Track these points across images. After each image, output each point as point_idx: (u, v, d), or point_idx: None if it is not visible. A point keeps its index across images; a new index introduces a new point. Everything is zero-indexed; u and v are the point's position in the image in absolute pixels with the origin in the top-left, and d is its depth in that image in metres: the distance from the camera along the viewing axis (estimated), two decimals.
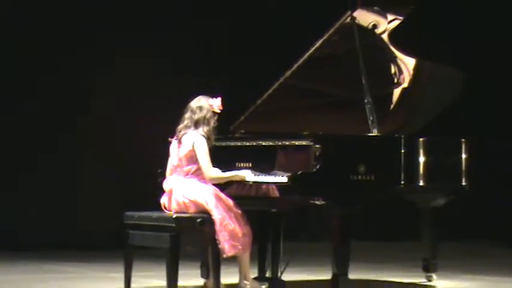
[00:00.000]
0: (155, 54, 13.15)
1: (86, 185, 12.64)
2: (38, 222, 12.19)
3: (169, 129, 8.23)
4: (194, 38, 13.24)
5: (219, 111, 8.05)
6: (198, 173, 7.91)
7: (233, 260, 7.90)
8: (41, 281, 9.25)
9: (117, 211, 8.51)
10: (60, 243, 11.78)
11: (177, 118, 8.17)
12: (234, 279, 8.07)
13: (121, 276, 8.01)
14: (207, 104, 8.00)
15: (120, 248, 8.14)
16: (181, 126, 8.01)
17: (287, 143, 8.10)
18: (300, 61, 8.49)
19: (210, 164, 7.87)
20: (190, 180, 7.92)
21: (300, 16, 12.04)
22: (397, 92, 8.68)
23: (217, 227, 7.74)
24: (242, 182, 8.09)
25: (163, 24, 13.31)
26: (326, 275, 8.15)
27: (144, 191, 8.78)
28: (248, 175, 8.01)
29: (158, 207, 8.01)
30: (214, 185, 7.96)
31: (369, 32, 8.52)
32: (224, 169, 8.06)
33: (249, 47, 12.76)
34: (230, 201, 7.94)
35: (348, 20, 8.34)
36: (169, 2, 13.38)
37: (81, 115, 12.93)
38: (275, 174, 8.02)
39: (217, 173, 7.92)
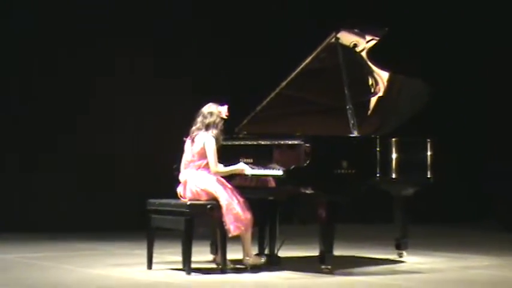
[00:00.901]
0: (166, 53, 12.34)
1: (115, 176, 12.03)
2: (72, 207, 11.71)
3: (182, 129, 8.29)
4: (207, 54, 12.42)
5: (225, 116, 8.10)
6: (207, 167, 8.00)
7: (237, 239, 8.02)
8: (76, 256, 9.18)
9: (140, 198, 8.52)
10: (93, 226, 11.32)
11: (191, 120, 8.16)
12: (238, 255, 8.13)
13: (144, 252, 8.14)
14: (216, 111, 8.07)
15: (143, 229, 8.26)
16: (194, 128, 8.07)
17: (282, 142, 8.20)
18: (293, 74, 8.50)
19: (216, 161, 7.97)
20: (201, 172, 8.00)
21: (297, 35, 11.30)
22: (373, 100, 8.72)
23: (224, 211, 7.87)
24: (242, 175, 8.18)
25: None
26: (314, 252, 8.27)
27: (164, 181, 8.66)
28: (247, 169, 8.12)
29: (175, 195, 8.10)
30: (222, 177, 8.04)
31: (350, 50, 8.51)
32: (230, 164, 8.14)
33: (251, 61, 12.06)
34: (234, 191, 8.02)
35: (333, 40, 8.36)
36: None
37: (129, 116, 12.22)
38: (272, 168, 8.12)
39: (221, 168, 8.01)
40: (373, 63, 8.66)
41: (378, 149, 8.08)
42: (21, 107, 11.75)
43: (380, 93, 8.69)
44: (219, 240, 8.03)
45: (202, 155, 8.00)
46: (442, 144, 8.85)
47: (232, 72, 12.15)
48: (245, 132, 8.69)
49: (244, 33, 12.19)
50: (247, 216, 7.98)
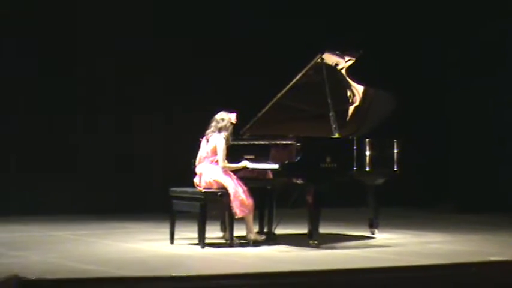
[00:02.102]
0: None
1: (144, 169, 11.66)
2: (109, 194, 11.35)
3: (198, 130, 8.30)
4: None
5: (234, 122, 8.13)
6: (218, 162, 8.00)
7: (241, 220, 8.07)
8: (113, 233, 9.15)
9: (165, 186, 8.51)
10: (126, 209, 11.01)
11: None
12: (243, 233, 8.17)
13: (167, 231, 8.17)
14: (227, 117, 8.08)
15: (166, 212, 8.25)
16: (209, 130, 8.09)
17: (278, 142, 8.23)
18: (287, 87, 8.47)
19: (224, 158, 7.97)
20: (213, 166, 8.02)
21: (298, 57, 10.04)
22: (351, 109, 8.68)
23: (232, 198, 7.90)
24: (245, 169, 8.19)
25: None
26: (304, 230, 8.28)
27: (183, 173, 8.52)
28: (248, 164, 8.14)
29: (192, 184, 8.13)
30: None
31: (333, 68, 8.47)
32: (236, 160, 8.14)
33: (253, 80, 11.51)
34: (239, 181, 8.01)
35: (319, 60, 8.35)
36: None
37: (150, 115, 11.72)
38: (270, 163, 8.14)
39: (227, 164, 8.01)
40: (350, 79, 8.63)
41: (354, 147, 8.12)
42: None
43: (356, 103, 8.65)
44: (227, 220, 8.05)
45: (214, 152, 8.02)
46: (406, 143, 8.81)
47: (234, 87, 11.57)
48: (248, 134, 8.64)
49: (244, 55, 11.73)
50: (249, 201, 7.98)
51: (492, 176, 12.34)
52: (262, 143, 8.35)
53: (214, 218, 8.25)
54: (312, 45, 8.70)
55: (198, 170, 8.16)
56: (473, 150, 12.57)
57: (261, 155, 8.28)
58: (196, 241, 8.01)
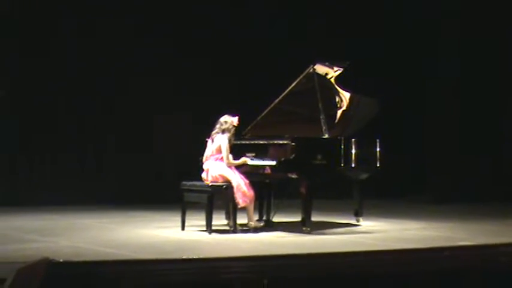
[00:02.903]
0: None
1: (159, 166, 11.50)
2: (132, 187, 11.23)
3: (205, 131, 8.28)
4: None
5: (236, 124, 8.14)
6: (222, 159, 8.02)
7: (243, 210, 8.05)
8: (132, 222, 9.06)
9: (177, 180, 8.45)
10: (143, 200, 10.89)
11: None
12: (244, 221, 8.14)
13: (179, 219, 8.18)
14: (230, 120, 8.08)
15: (178, 202, 8.25)
16: (214, 132, 8.11)
17: (275, 142, 8.19)
18: (283, 94, 8.45)
19: (228, 155, 7.98)
20: (219, 163, 8.02)
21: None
22: (339, 113, 8.60)
23: (235, 190, 7.91)
24: (246, 165, 8.17)
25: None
26: (298, 218, 8.25)
27: (193, 169, 8.45)
28: (248, 161, 8.13)
29: (200, 178, 8.13)
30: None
31: (323, 77, 8.44)
32: (238, 157, 8.14)
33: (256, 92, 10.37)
34: (242, 175, 8.01)
35: (311, 70, 8.33)
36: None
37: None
38: (268, 160, 8.10)
39: (231, 161, 8.02)
40: (339, 86, 8.59)
41: (342, 146, 8.09)
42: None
43: (343, 108, 8.58)
44: (231, 210, 8.03)
45: (219, 151, 8.02)
46: (386, 143, 8.78)
47: (239, 94, 11.17)
48: (249, 135, 8.61)
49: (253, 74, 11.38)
50: (251, 193, 7.98)
51: (464, 171, 12.23)
52: (261, 142, 8.32)
53: (219, 208, 8.22)
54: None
55: (205, 166, 8.15)
56: (448, 149, 12.44)
57: (260, 152, 8.25)
58: (204, 228, 8.00)
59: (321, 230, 8.22)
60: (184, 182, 8.26)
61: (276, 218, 8.68)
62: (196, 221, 8.46)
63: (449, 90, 12.40)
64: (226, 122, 8.12)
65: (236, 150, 8.21)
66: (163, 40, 11.36)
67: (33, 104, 10.97)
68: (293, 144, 7.97)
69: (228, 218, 8.29)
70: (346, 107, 8.53)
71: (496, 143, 12.38)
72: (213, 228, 7.94)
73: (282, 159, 7.95)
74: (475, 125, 12.29)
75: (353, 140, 8.25)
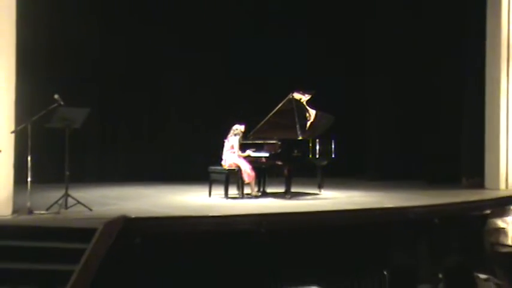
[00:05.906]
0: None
1: (197, 154, 10.06)
2: (172, 164, 10.10)
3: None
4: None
5: (243, 130, 8.05)
6: (235, 153, 7.96)
7: (248, 185, 7.96)
8: (174, 192, 8.55)
9: (206, 165, 8.31)
10: (186, 179, 9.74)
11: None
12: (248, 191, 8.01)
13: (206, 190, 8.05)
14: (239, 127, 8.02)
15: (206, 180, 8.11)
16: (229, 135, 8.05)
17: (268, 142, 8.10)
18: (273, 111, 8.14)
19: (238, 150, 7.92)
20: (232, 155, 7.97)
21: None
22: (308, 123, 8.28)
23: (242, 171, 7.88)
24: (249, 156, 8.02)
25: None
26: (282, 190, 8.14)
27: (216, 158, 8.15)
28: (251, 153, 8.02)
29: (221, 165, 8.00)
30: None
31: (298, 101, 8.20)
32: (244, 151, 8.03)
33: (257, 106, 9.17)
34: (247, 162, 7.94)
35: (291, 96, 8.12)
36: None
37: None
38: (264, 153, 8.04)
39: (240, 153, 7.92)
40: (309, 106, 8.28)
41: (310, 144, 7.95)
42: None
43: (311, 120, 8.30)
44: (240, 184, 7.97)
45: (232, 147, 7.97)
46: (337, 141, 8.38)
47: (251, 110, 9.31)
48: (252, 137, 8.30)
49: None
50: (253, 174, 7.94)
51: (399, 151, 10.47)
52: (259, 142, 8.19)
53: (233, 183, 8.07)
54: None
55: (223, 157, 8.07)
56: (386, 134, 10.72)
57: (259, 148, 8.14)
58: (223, 195, 7.88)
59: (297, 197, 8.10)
60: (210, 167, 8.17)
61: (269, 189, 8.53)
62: (218, 191, 8.21)
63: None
64: (237, 129, 8.06)
65: (243, 147, 8.11)
66: None
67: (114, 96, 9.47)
68: (279, 143, 7.96)
69: (238, 189, 8.14)
70: (313, 119, 8.31)
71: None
72: (229, 195, 7.86)
73: (273, 152, 7.96)
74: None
75: (317, 140, 8.10)
